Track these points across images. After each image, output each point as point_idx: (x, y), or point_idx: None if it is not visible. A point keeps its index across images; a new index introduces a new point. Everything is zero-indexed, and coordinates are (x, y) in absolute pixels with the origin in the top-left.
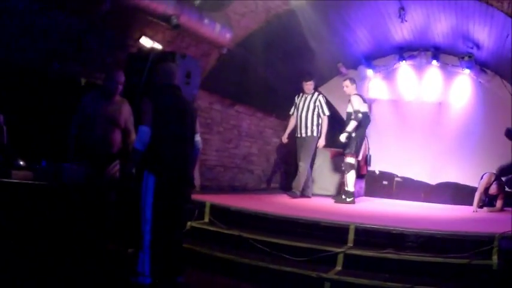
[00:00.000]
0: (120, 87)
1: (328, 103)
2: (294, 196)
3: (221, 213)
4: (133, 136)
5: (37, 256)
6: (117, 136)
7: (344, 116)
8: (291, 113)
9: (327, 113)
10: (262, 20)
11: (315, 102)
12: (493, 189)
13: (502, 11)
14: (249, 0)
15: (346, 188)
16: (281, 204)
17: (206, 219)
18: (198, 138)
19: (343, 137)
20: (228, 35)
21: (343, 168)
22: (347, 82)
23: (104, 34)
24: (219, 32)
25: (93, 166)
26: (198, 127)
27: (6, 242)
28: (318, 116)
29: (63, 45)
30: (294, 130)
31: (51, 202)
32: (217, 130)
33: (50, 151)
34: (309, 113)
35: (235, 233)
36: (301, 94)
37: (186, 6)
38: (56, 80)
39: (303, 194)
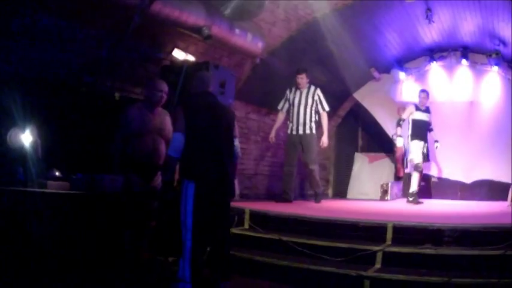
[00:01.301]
0: (165, 96)
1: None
2: (319, 200)
3: (260, 219)
4: None
5: (77, 265)
6: (164, 147)
7: (380, 121)
8: (279, 107)
9: (327, 108)
10: (293, 29)
11: (313, 97)
12: None
13: None
14: (279, 9)
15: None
16: (318, 208)
17: (246, 226)
18: (236, 143)
19: (399, 142)
20: (260, 44)
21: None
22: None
23: (136, 48)
24: (251, 41)
25: (142, 178)
26: (237, 132)
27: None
28: (316, 112)
29: (95, 60)
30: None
31: (89, 211)
32: (254, 139)
33: (85, 163)
34: (307, 108)
35: (275, 236)
36: (293, 88)
37: (216, 17)
38: (88, 94)
39: (287, 199)
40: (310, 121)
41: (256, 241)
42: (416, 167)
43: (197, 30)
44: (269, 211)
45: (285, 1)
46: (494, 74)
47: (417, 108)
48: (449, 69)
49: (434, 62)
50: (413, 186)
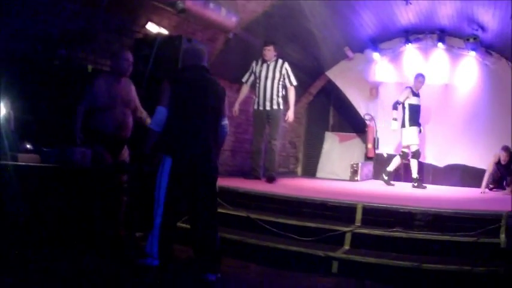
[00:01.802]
0: (131, 66)
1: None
2: (273, 179)
3: (229, 196)
4: (140, 114)
5: (46, 239)
6: (131, 119)
7: (352, 101)
8: (244, 80)
9: (295, 83)
10: (268, 4)
11: (280, 71)
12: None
13: None
14: None
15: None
16: (288, 186)
17: None
18: (225, 121)
19: (394, 125)
20: (234, 19)
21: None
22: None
23: (110, 21)
24: (225, 16)
25: (109, 150)
26: (226, 110)
27: (15, 225)
28: (284, 86)
29: (69, 33)
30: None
31: (60, 184)
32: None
33: (57, 136)
34: (275, 83)
35: (243, 214)
36: (259, 61)
37: None
38: (62, 67)
39: (256, 176)
40: (277, 96)
41: (225, 218)
42: (416, 154)
43: (171, 3)
44: (238, 188)
45: None
46: (471, 59)
47: (413, 93)
48: (425, 51)
49: (410, 43)
50: (415, 173)
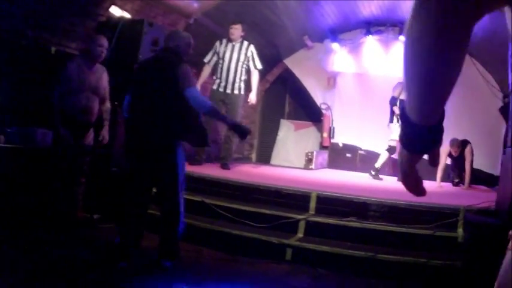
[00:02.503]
0: (105, 52)
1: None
2: (228, 168)
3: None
4: (107, 104)
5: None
6: (97, 105)
7: (309, 90)
8: (206, 60)
9: (260, 66)
10: None
11: (246, 53)
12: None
13: None
14: None
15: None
16: (243, 172)
17: None
18: (190, 92)
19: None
20: (195, 5)
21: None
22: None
23: (75, 2)
24: (187, 1)
25: (72, 133)
26: (188, 82)
27: None
28: (247, 70)
29: (34, 14)
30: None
31: (23, 164)
32: None
33: (20, 116)
34: (239, 65)
35: (197, 198)
36: (224, 41)
37: None
38: (28, 48)
39: (199, 162)
40: (240, 80)
41: None
42: (391, 149)
43: None
44: (193, 172)
45: None
46: None
47: None
48: (386, 43)
49: (370, 35)
50: (379, 163)
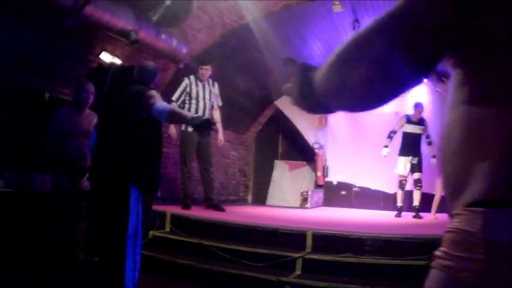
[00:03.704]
0: (91, 97)
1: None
2: (221, 208)
3: (182, 223)
4: None
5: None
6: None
7: (301, 130)
8: (174, 98)
9: (221, 103)
10: (218, 35)
11: (214, 92)
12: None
13: None
14: (205, 16)
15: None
16: (239, 213)
17: (167, 229)
18: (155, 106)
19: (384, 152)
20: (184, 50)
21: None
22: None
23: (67, 49)
24: (176, 46)
25: (69, 179)
26: (150, 100)
27: None
28: (212, 108)
29: (28, 60)
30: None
31: (22, 209)
32: (175, 143)
33: (15, 162)
34: (208, 104)
35: (196, 241)
36: (193, 79)
37: (144, 22)
38: (20, 94)
39: (188, 206)
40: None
41: (178, 244)
42: (400, 184)
43: (125, 34)
44: (190, 215)
45: (211, 8)
46: (422, 86)
47: (409, 121)
48: None
49: None
50: (399, 202)
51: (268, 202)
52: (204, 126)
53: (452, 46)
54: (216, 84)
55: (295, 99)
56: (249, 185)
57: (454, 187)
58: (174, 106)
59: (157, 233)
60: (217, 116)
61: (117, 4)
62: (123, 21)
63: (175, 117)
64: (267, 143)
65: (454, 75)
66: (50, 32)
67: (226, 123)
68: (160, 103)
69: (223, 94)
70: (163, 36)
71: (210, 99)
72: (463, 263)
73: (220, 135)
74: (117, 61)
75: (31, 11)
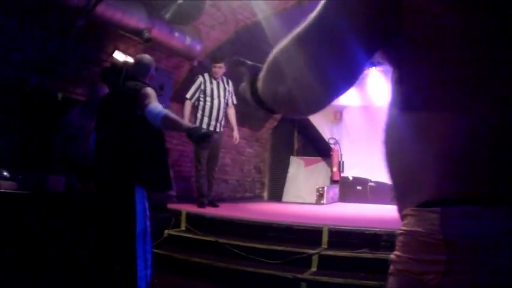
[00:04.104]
0: None
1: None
2: (216, 205)
3: (197, 221)
4: None
5: (26, 265)
6: None
7: (316, 125)
8: (189, 96)
9: (236, 101)
10: (231, 32)
11: (228, 90)
12: None
13: None
14: (218, 13)
15: None
16: (255, 211)
17: (183, 227)
18: (149, 107)
19: None
20: (198, 47)
21: None
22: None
23: (79, 49)
24: (190, 44)
25: (79, 179)
26: (146, 100)
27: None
28: (226, 105)
29: (40, 60)
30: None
31: (36, 210)
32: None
33: (29, 163)
34: (223, 102)
35: (211, 239)
36: (207, 77)
37: (157, 20)
38: (33, 94)
39: (204, 204)
40: (223, 117)
41: (194, 243)
42: None
43: (138, 32)
44: (205, 213)
45: (224, 5)
46: None
47: None
48: (389, 74)
49: (374, 67)
50: None
51: (284, 199)
52: (203, 139)
53: (382, 42)
54: (230, 83)
55: (248, 100)
56: (265, 181)
57: (402, 187)
58: (169, 111)
59: (172, 232)
60: (232, 113)
61: (129, 3)
62: (135, 19)
63: (170, 124)
64: (282, 139)
65: (392, 72)
66: (62, 32)
67: (241, 120)
68: (154, 105)
69: (237, 90)
70: (176, 34)
71: (224, 97)
72: (424, 265)
73: (236, 134)
74: (130, 60)
75: (42, 11)
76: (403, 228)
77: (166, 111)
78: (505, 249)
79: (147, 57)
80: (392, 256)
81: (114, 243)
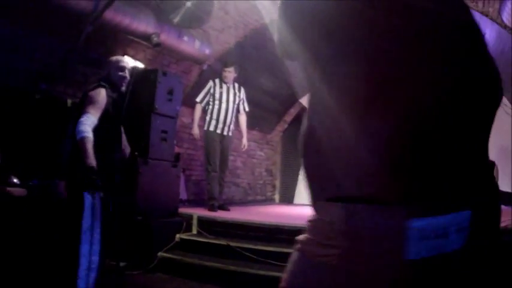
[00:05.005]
0: None
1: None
2: (227, 209)
3: (208, 225)
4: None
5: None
6: None
7: None
8: (199, 100)
9: (248, 108)
10: (240, 35)
11: (239, 96)
12: None
13: (477, 10)
14: (226, 16)
15: None
16: (266, 213)
17: (194, 231)
18: (81, 119)
19: None
20: (207, 51)
21: None
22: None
23: (88, 55)
24: (199, 48)
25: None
26: (87, 107)
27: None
28: (238, 111)
29: (49, 67)
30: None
31: (46, 216)
32: (201, 145)
33: (41, 169)
34: (233, 107)
35: (223, 242)
36: (218, 82)
37: (165, 25)
38: (43, 101)
39: (215, 207)
40: (232, 122)
41: (205, 246)
42: None
43: (146, 37)
44: (217, 217)
45: (233, 8)
46: None
47: None
48: None
49: None
50: None
51: (296, 201)
52: (86, 184)
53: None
54: (242, 89)
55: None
56: (276, 184)
57: (316, 182)
58: (90, 139)
59: (184, 236)
60: (243, 120)
61: (138, 8)
62: (144, 24)
63: (81, 150)
64: (293, 141)
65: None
66: (71, 38)
67: (252, 123)
68: (86, 119)
69: (248, 94)
70: (185, 38)
71: (234, 102)
72: (326, 249)
73: (245, 141)
74: (140, 65)
75: (51, 18)
76: (316, 216)
77: (88, 135)
78: (393, 242)
79: (117, 58)
80: (300, 237)
81: (59, 237)
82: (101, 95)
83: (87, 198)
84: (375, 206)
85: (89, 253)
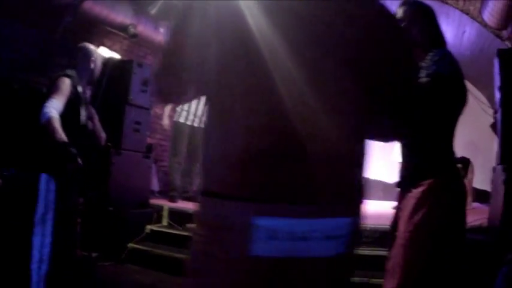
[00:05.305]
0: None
1: None
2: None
3: (178, 216)
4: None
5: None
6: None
7: None
8: None
9: None
10: None
11: None
12: None
13: (457, 8)
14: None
15: None
16: None
17: (165, 223)
18: (47, 103)
19: None
20: None
21: None
22: None
23: (65, 45)
24: None
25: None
26: (51, 92)
27: None
28: None
29: (27, 57)
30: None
31: (20, 205)
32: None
33: (17, 159)
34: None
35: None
36: None
37: (142, 16)
38: (21, 90)
39: (175, 198)
40: (204, 113)
41: (175, 238)
42: None
43: (123, 28)
44: (188, 208)
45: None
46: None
47: None
48: None
49: None
50: None
51: None
52: (66, 159)
53: None
54: None
55: None
56: None
57: (203, 177)
58: (56, 118)
59: (154, 227)
60: None
61: None
62: (121, 15)
63: (49, 130)
64: None
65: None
66: (49, 29)
67: None
68: (50, 103)
69: None
70: (161, 30)
71: None
72: (197, 235)
73: None
74: (116, 56)
75: (30, 9)
76: (197, 208)
77: (54, 116)
78: (240, 236)
79: (86, 47)
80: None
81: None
82: (65, 83)
83: (42, 177)
84: (228, 200)
85: (41, 245)
